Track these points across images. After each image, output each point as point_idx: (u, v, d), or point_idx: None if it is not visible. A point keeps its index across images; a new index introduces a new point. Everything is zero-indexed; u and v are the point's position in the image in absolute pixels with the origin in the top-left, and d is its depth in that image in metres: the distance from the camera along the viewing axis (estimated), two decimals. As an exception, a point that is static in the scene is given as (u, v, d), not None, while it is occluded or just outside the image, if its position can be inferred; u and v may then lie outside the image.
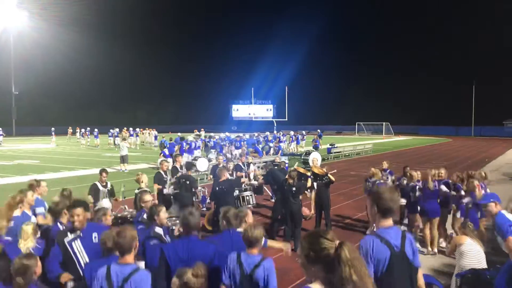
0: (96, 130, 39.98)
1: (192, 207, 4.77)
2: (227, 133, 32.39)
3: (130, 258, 3.61)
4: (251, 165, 13.44)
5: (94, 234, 4.71)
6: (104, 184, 9.23)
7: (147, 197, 6.42)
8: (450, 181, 9.35)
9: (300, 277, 7.02)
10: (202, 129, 34.77)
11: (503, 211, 5.17)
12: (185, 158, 19.64)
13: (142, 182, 8.64)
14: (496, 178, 18.63)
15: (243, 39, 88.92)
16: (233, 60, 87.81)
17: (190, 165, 10.70)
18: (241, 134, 30.55)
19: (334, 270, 2.23)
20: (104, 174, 9.33)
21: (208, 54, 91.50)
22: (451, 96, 72.96)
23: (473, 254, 5.81)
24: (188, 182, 9.79)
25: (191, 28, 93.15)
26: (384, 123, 67.61)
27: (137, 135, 41.86)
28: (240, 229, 4.64)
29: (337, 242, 2.31)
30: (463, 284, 5.58)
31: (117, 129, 40.37)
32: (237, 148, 24.60)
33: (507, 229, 5.07)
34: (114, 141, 38.37)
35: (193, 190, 10.02)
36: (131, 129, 42.42)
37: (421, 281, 3.46)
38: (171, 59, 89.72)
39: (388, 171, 11.63)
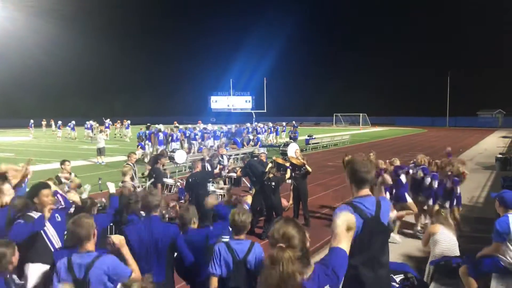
0: (73, 122, 39.22)
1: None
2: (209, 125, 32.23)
3: (90, 245, 3.53)
4: (225, 157, 13.46)
5: (56, 215, 4.79)
6: (68, 175, 9.04)
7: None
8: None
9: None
10: (199, 121, 34.43)
11: (510, 216, 5.18)
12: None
13: (128, 175, 8.53)
14: (470, 167, 19.06)
15: (221, 30, 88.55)
16: (211, 51, 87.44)
17: (159, 157, 10.66)
18: (223, 126, 30.53)
19: None
20: (66, 164, 9.21)
21: (187, 45, 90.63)
22: (427, 87, 74.26)
23: (446, 242, 5.95)
24: (154, 176, 9.77)
25: (170, 19, 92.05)
26: (361, 114, 68.29)
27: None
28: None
29: (279, 245, 2.33)
30: (436, 272, 5.73)
31: (91, 121, 39.64)
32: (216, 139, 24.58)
33: (498, 235, 5.17)
34: (89, 134, 38.01)
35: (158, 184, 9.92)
36: (108, 120, 41.81)
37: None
38: (149, 50, 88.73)
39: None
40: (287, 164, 10.79)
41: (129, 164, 10.33)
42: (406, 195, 9.08)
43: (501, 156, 19.69)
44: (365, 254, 3.26)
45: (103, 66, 79.31)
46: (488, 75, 68.87)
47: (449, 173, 9.01)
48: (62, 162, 9.22)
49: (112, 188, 5.96)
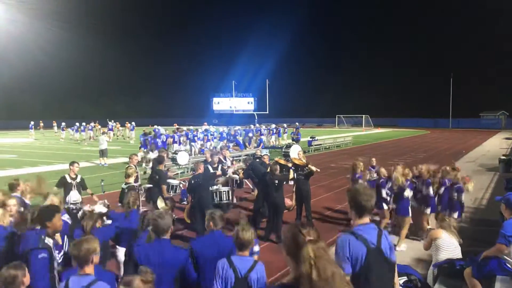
0: (77, 124, 39.40)
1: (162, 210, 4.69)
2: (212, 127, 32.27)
3: (89, 269, 3.60)
4: (227, 159, 13.44)
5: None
6: (74, 176, 9.07)
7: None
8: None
9: (282, 269, 7.08)
10: (205, 123, 34.51)
11: None
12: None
13: (133, 177, 8.52)
14: (472, 169, 19.01)
15: (223, 31, 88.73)
16: (214, 53, 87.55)
17: (162, 159, 10.64)
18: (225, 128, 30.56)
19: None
20: (75, 165, 9.18)
21: (189, 46, 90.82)
22: (430, 89, 74.13)
23: (449, 248, 5.93)
24: (157, 177, 9.74)
25: (172, 20, 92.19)
26: (363, 115, 68.22)
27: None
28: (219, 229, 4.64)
29: (308, 238, 2.34)
30: (439, 274, 5.71)
31: (92, 123, 39.97)
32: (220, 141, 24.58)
33: (503, 237, 5.14)
34: (89, 136, 38.31)
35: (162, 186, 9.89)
36: (111, 122, 42.05)
37: (396, 278, 3.52)
38: (150, 52, 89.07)
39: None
40: (290, 165, 10.78)
41: (131, 166, 10.32)
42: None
43: (504, 157, 19.61)
44: (370, 286, 3.25)
45: (105, 68, 79.59)
46: (491, 76, 68.77)
47: (447, 181, 9.02)
48: (71, 163, 9.24)
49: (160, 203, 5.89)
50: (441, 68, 70.67)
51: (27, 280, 3.72)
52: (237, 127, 28.99)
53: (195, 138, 24.70)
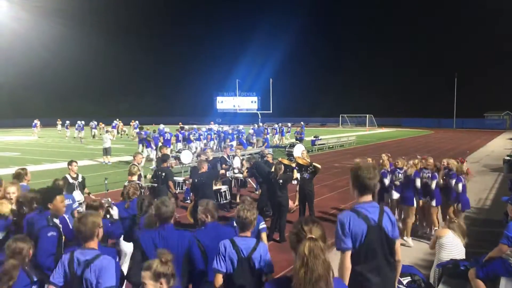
0: (82, 122, 39.48)
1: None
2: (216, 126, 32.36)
3: (93, 243, 3.60)
4: (237, 157, 13.41)
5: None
6: (75, 176, 9.06)
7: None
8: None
9: (285, 268, 7.08)
10: (212, 122, 34.70)
11: None
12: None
13: (136, 175, 8.53)
14: (476, 169, 18.94)
15: (227, 30, 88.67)
16: (217, 51, 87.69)
17: (166, 157, 10.66)
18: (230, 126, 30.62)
19: None
20: (74, 164, 9.14)
21: (193, 45, 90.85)
22: (433, 89, 73.87)
23: (452, 247, 5.92)
24: (164, 175, 9.75)
25: (175, 19, 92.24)
26: (367, 115, 68.11)
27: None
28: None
29: (309, 236, 2.34)
30: (443, 274, 5.69)
31: (95, 122, 40.21)
32: (221, 141, 24.60)
33: (506, 238, 5.15)
34: (93, 134, 38.63)
35: (169, 182, 9.93)
36: (116, 120, 42.30)
37: (399, 255, 3.53)
38: (155, 51, 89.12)
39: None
40: (293, 165, 10.77)
41: (135, 165, 10.34)
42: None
43: (508, 158, 19.52)
44: (370, 263, 3.28)
45: (108, 66, 79.70)
46: (495, 76, 68.46)
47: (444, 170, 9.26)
48: (70, 163, 9.20)
49: None
50: (445, 68, 70.47)
51: (30, 253, 3.91)
52: (241, 126, 28.99)
53: (201, 137, 24.72)
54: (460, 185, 8.83)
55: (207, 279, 4.17)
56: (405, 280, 5.33)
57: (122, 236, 5.95)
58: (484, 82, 68.54)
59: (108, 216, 7.08)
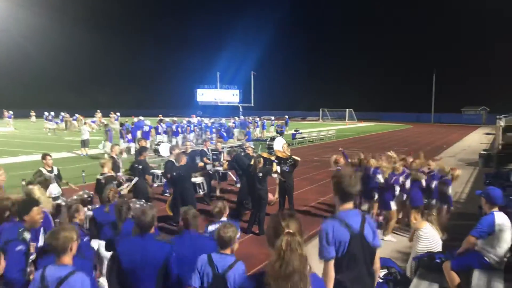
0: (62, 114, 38.84)
1: (145, 204, 4.61)
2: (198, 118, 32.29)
3: (67, 259, 3.48)
4: (222, 153, 13.41)
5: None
6: (50, 169, 8.87)
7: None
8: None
9: (264, 261, 7.09)
10: (192, 115, 34.61)
11: (496, 213, 5.26)
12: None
13: (107, 167, 8.45)
14: (453, 164, 19.25)
15: (208, 22, 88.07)
16: (198, 43, 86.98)
17: (143, 150, 10.56)
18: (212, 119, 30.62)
19: None
20: (48, 158, 8.90)
21: (173, 37, 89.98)
22: (412, 84, 74.76)
23: (429, 239, 6.02)
24: (140, 168, 9.65)
25: (156, 11, 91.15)
26: (347, 109, 68.56)
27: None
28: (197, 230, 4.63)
29: (287, 230, 2.33)
30: (420, 267, 5.79)
31: (75, 115, 39.54)
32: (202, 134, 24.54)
33: (476, 228, 5.27)
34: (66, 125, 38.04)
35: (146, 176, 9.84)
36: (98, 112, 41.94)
37: (377, 264, 3.57)
38: (135, 42, 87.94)
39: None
40: (273, 158, 10.79)
41: (113, 157, 10.22)
42: (391, 202, 9.03)
43: (484, 152, 19.92)
44: (352, 272, 3.29)
45: (88, 58, 78.51)
46: (473, 72, 69.69)
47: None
48: (43, 157, 8.93)
49: None
50: (424, 63, 71.33)
51: (1, 267, 3.64)
52: (223, 120, 28.94)
53: (178, 129, 24.57)
54: (449, 188, 9.00)
55: None
56: (382, 272, 5.40)
57: (104, 244, 5.82)
58: (462, 78, 69.71)
59: (90, 207, 6.99)
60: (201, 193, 10.67)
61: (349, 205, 3.48)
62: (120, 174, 9.94)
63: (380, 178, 9.06)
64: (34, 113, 47.10)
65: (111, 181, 7.58)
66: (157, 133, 23.38)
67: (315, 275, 2.55)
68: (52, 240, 3.45)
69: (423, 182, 8.91)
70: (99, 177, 8.28)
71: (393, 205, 8.93)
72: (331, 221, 3.37)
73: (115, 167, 9.91)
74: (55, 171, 8.93)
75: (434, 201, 9.07)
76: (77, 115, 39.43)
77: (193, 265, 3.88)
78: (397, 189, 8.93)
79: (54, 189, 8.24)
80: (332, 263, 3.27)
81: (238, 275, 3.77)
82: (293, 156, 10.25)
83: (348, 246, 3.27)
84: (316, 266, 3.14)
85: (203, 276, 3.78)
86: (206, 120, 30.37)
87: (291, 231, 2.33)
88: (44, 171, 8.71)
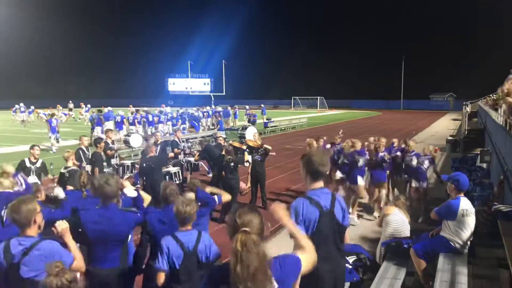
0: (32, 107, 37.79)
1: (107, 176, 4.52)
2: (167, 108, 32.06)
3: (30, 231, 3.34)
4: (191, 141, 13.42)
5: None
6: (34, 161, 8.83)
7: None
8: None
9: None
10: (163, 105, 34.36)
11: (462, 198, 5.41)
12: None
13: (70, 160, 8.30)
14: (422, 149, 19.63)
15: (178, 10, 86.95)
16: (168, 32, 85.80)
17: (98, 141, 10.51)
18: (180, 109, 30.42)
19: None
20: (35, 149, 8.92)
21: (142, 25, 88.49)
22: (382, 71, 75.79)
23: (397, 224, 6.16)
24: (93, 160, 9.70)
25: (126, 0, 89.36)
26: (318, 97, 69.07)
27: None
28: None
29: (243, 229, 2.27)
30: (387, 252, 5.91)
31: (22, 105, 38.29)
32: (174, 125, 24.32)
33: (440, 208, 5.50)
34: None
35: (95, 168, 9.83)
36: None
37: (346, 239, 3.64)
38: (103, 31, 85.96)
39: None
40: (244, 147, 10.79)
41: (81, 148, 10.08)
42: (359, 177, 9.34)
43: (451, 138, 20.43)
44: (322, 250, 3.30)
45: (56, 47, 76.51)
46: (440, 60, 71.18)
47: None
48: (32, 147, 8.97)
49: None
50: (392, 51, 72.30)
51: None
52: (194, 109, 28.79)
53: (155, 119, 24.36)
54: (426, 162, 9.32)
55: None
56: (351, 259, 5.49)
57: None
58: (430, 65, 71.11)
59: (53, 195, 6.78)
60: (177, 182, 10.61)
61: (319, 183, 3.49)
62: (85, 165, 9.81)
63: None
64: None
65: (74, 175, 7.43)
66: (131, 123, 23.12)
67: (274, 260, 2.46)
68: (13, 214, 3.30)
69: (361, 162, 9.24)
70: (62, 170, 8.14)
71: (360, 180, 9.23)
72: (301, 200, 3.40)
73: (84, 159, 9.80)
74: (39, 164, 8.92)
75: (413, 181, 9.33)
76: (32, 107, 38.34)
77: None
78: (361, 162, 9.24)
79: (32, 180, 8.11)
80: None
81: (207, 245, 3.83)
82: (264, 145, 10.28)
83: (318, 224, 3.30)
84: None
85: (172, 258, 3.74)
86: (169, 110, 30.29)
87: (247, 229, 2.27)
88: (27, 161, 8.79)
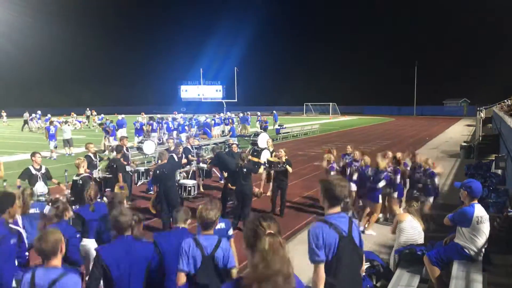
0: (49, 115, 38.40)
1: (121, 205, 4.54)
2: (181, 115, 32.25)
3: (56, 261, 3.41)
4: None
5: None
6: (38, 167, 8.87)
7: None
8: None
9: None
10: (175, 112, 34.58)
11: (476, 205, 5.36)
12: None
13: (82, 167, 8.34)
14: (435, 156, 19.52)
15: (191, 18, 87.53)
16: (181, 40, 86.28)
17: (120, 148, 10.57)
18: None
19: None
20: (37, 156, 8.97)
21: (156, 33, 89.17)
22: (394, 77, 75.35)
23: (411, 231, 6.12)
24: (115, 166, 9.70)
25: (139, 6, 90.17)
26: (331, 103, 68.88)
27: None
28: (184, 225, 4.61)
29: (268, 231, 2.33)
30: (401, 259, 5.88)
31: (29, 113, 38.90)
32: (181, 131, 24.47)
33: (454, 219, 5.47)
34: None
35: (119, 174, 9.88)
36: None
37: (363, 266, 3.66)
38: (117, 39, 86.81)
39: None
40: (262, 162, 10.94)
41: (89, 155, 10.16)
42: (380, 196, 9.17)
43: (465, 144, 20.25)
44: (341, 274, 3.34)
45: (70, 55, 77.35)
46: (454, 65, 70.62)
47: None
48: (33, 154, 9.01)
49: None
50: (406, 56, 71.94)
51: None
52: (206, 115, 28.96)
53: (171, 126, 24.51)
54: (398, 176, 9.23)
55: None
56: (365, 266, 5.47)
57: (93, 237, 5.75)
58: (443, 71, 70.62)
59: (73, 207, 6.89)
60: (186, 196, 10.56)
61: (337, 208, 3.52)
62: (95, 172, 9.89)
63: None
64: (5, 113, 46.49)
65: (88, 181, 7.49)
66: (153, 130, 23.22)
67: (295, 276, 2.52)
68: (41, 244, 3.36)
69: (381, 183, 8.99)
70: (75, 178, 8.18)
71: (380, 198, 9.10)
72: (319, 224, 3.41)
73: (90, 166, 9.83)
74: (43, 170, 8.94)
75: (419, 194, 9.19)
76: (49, 115, 39.01)
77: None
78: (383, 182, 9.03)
79: (40, 187, 8.21)
80: (322, 266, 3.30)
81: (225, 253, 3.85)
82: (287, 166, 10.38)
83: (337, 249, 3.32)
84: (299, 264, 3.20)
85: (192, 259, 3.77)
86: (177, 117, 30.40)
87: (272, 231, 2.34)
88: (32, 169, 8.77)
